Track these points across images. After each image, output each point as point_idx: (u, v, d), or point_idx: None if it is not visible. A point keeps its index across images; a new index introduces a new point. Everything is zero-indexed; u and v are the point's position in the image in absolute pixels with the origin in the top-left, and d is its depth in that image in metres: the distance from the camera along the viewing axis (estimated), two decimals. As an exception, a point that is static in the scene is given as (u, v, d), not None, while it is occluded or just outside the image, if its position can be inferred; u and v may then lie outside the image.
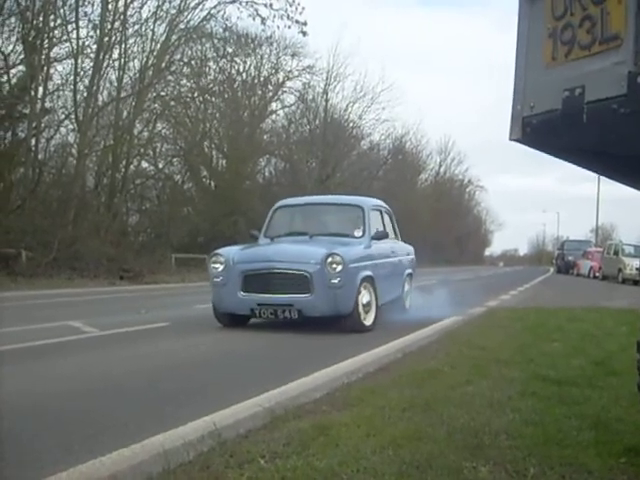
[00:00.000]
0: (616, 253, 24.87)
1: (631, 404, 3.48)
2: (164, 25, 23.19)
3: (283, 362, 5.48)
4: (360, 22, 79.51)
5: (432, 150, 59.39)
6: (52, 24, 19.90)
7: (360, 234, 8.12)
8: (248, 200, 27.42)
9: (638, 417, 3.25)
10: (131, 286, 17.14)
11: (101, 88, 22.59)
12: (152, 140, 26.07)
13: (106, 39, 21.24)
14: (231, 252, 7.59)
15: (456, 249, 61.26)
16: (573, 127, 1.90)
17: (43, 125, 20.80)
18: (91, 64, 21.29)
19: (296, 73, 31.45)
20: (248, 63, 30.17)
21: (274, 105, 33.29)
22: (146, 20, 22.65)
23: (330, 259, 7.04)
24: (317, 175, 34.73)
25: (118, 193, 23.58)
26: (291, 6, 22.60)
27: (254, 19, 23.19)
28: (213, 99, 28.48)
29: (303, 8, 22.82)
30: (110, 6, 21.20)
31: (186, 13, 23.39)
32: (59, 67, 21.40)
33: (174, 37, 23.51)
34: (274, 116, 34.01)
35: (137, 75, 23.33)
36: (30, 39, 19.19)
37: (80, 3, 20.32)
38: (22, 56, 19.58)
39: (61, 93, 21.67)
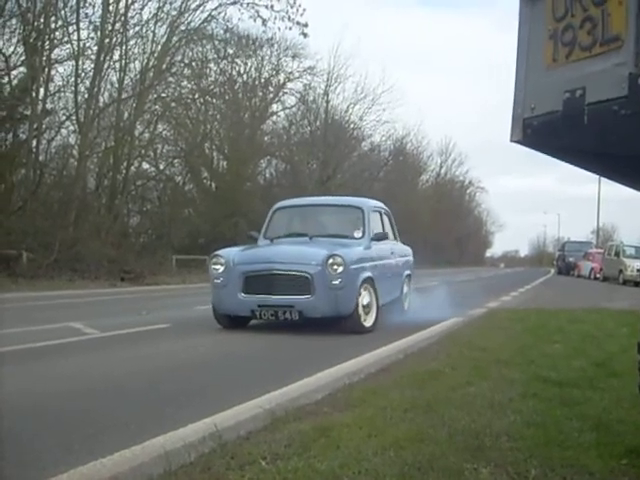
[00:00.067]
0: (617, 254, 24.85)
1: (632, 405, 3.48)
2: (165, 27, 23.24)
3: (283, 363, 5.48)
4: (361, 23, 79.65)
5: (433, 151, 59.49)
6: (53, 26, 19.93)
7: (360, 235, 8.11)
8: (249, 201, 27.43)
9: (639, 418, 3.24)
10: (132, 287, 17.14)
11: (102, 89, 22.64)
12: (153, 141, 26.08)
13: (107, 40, 21.26)
14: (231, 253, 7.59)
15: (457, 250, 61.26)
16: (574, 128, 1.90)
17: (44, 126, 20.81)
18: (92, 65, 21.32)
19: (297, 74, 31.47)
20: (249, 64, 30.22)
21: (275, 106, 33.34)
22: (147, 22, 22.71)
23: (331, 260, 7.04)
24: (318, 176, 34.73)
25: (119, 194, 23.58)
26: (292, 7, 22.67)
27: (255, 21, 23.25)
28: (214, 100, 28.49)
29: (304, 9, 22.89)
30: (111, 8, 21.23)
31: (187, 15, 23.46)
32: (60, 69, 21.45)
33: (175, 39, 23.53)
34: (275, 117, 34.08)
35: (138, 76, 23.34)
36: (31, 41, 19.21)
37: (81, 5, 20.37)
38: (23, 58, 19.61)
39: (62, 94, 21.71)
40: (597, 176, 21.53)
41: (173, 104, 25.20)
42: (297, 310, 7.03)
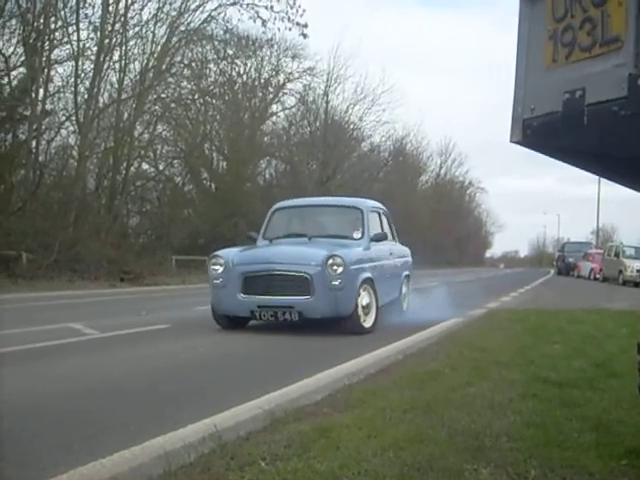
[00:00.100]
0: (617, 255, 24.85)
1: (632, 406, 3.48)
2: (165, 27, 23.25)
3: (283, 364, 5.48)
4: (361, 23, 79.63)
5: (433, 152, 59.52)
6: (53, 26, 19.93)
7: (359, 236, 8.11)
8: (248, 202, 27.43)
9: (639, 419, 3.24)
10: (131, 288, 17.14)
11: (102, 90, 22.64)
12: (152, 142, 26.08)
13: (107, 41, 21.26)
14: (231, 254, 7.58)
15: (456, 251, 61.28)
16: (574, 129, 1.90)
17: (44, 127, 20.82)
18: (92, 66, 21.32)
19: (297, 75, 31.47)
20: (249, 65, 30.22)
21: (274, 107, 33.35)
22: (147, 22, 22.71)
23: (331, 261, 7.04)
24: (318, 177, 34.74)
25: (119, 195, 23.59)
26: (292, 8, 22.67)
27: (255, 21, 23.26)
28: (214, 101, 28.50)
29: (304, 10, 22.89)
30: (111, 8, 21.23)
31: (187, 15, 23.46)
32: (60, 69, 21.46)
33: (175, 39, 23.53)
34: (274, 118, 34.08)
35: (138, 77, 23.34)
36: (31, 41, 19.21)
37: (81, 5, 20.38)
38: (23, 58, 19.61)
39: (62, 95, 21.72)
40: (597, 177, 21.53)
41: (173, 105, 25.21)
42: (297, 311, 7.03)
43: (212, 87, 27.74)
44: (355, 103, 37.37)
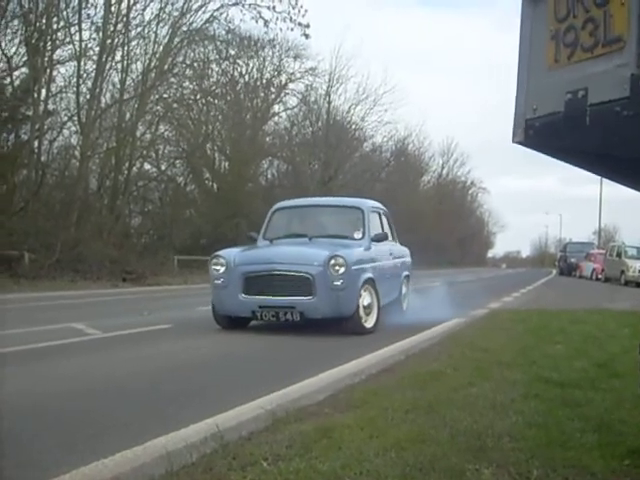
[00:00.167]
0: (619, 255, 24.82)
1: (634, 406, 3.48)
2: (167, 27, 23.26)
3: (284, 364, 5.48)
4: (363, 23, 79.44)
5: (434, 152, 59.44)
6: (55, 26, 19.95)
7: (360, 236, 8.11)
8: (250, 202, 27.42)
9: (641, 419, 3.24)
10: (134, 288, 17.15)
11: (104, 90, 22.66)
12: (154, 142, 26.10)
13: (109, 41, 21.27)
14: (232, 254, 7.57)
15: (458, 251, 61.19)
16: (576, 129, 1.90)
17: (46, 127, 20.82)
18: (94, 66, 21.33)
19: (298, 75, 31.46)
20: (250, 65, 30.23)
21: (276, 107, 33.35)
22: (149, 22, 22.72)
23: (333, 261, 7.04)
24: (319, 177, 34.74)
25: (121, 195, 23.60)
26: (294, 9, 22.64)
27: (257, 21, 23.25)
28: (215, 101, 28.49)
29: (306, 10, 22.86)
30: (113, 8, 21.25)
31: (189, 15, 23.45)
32: (62, 69, 21.47)
33: (177, 39, 23.55)
34: (276, 118, 34.08)
35: (140, 77, 23.36)
36: (33, 41, 19.24)
37: (83, 5, 20.39)
38: (25, 58, 19.65)
39: (64, 95, 21.73)
40: (599, 177, 21.53)
41: (175, 105, 25.22)
42: (298, 311, 7.02)
43: (214, 87, 27.76)
44: (357, 103, 37.43)
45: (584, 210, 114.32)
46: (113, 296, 14.40)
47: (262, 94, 31.68)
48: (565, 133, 1.95)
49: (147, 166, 27.42)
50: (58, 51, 20.58)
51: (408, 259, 10.12)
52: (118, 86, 23.15)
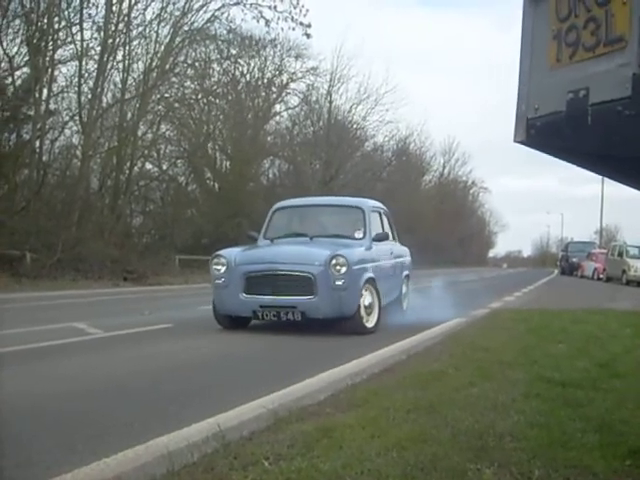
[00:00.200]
0: (620, 254, 24.81)
1: (636, 406, 3.48)
2: (168, 27, 23.24)
3: (285, 364, 5.48)
4: (364, 23, 79.53)
5: (436, 151, 59.38)
6: (56, 26, 19.93)
7: (361, 235, 8.10)
8: (252, 202, 27.42)
9: (643, 419, 3.24)
10: (135, 287, 17.17)
11: (105, 90, 22.65)
12: (156, 142, 26.11)
13: (110, 41, 21.26)
14: (233, 253, 7.56)
15: (460, 250, 61.14)
16: (577, 129, 1.90)
17: (47, 127, 20.82)
18: (95, 66, 21.32)
19: (300, 75, 31.45)
20: (252, 65, 30.21)
21: (278, 107, 33.35)
22: (150, 22, 22.69)
23: (334, 261, 7.03)
24: (321, 176, 34.74)
25: (122, 195, 23.61)
26: (295, 8, 22.62)
27: (258, 21, 23.20)
28: (217, 101, 28.48)
29: (307, 10, 22.84)
30: (114, 8, 21.23)
31: (190, 15, 23.43)
32: (63, 69, 21.46)
33: (178, 39, 23.53)
34: (278, 118, 34.09)
35: (141, 77, 23.35)
36: (34, 41, 19.24)
37: (84, 5, 20.37)
38: (26, 58, 19.63)
39: (65, 95, 21.72)
40: (600, 176, 21.50)
41: (176, 104, 25.21)
42: (300, 311, 7.02)
43: (215, 87, 27.75)
44: (358, 103, 37.42)
45: (585, 210, 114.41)
46: (114, 296, 14.41)
47: (263, 94, 31.68)
48: (566, 133, 1.95)
49: (148, 166, 27.47)
50: (59, 51, 20.61)
51: (408, 259, 10.13)
52: (119, 86, 23.18)
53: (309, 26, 23.26)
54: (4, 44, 19.11)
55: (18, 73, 19.98)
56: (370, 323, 7.43)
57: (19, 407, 3.68)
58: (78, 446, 2.94)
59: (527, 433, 3.06)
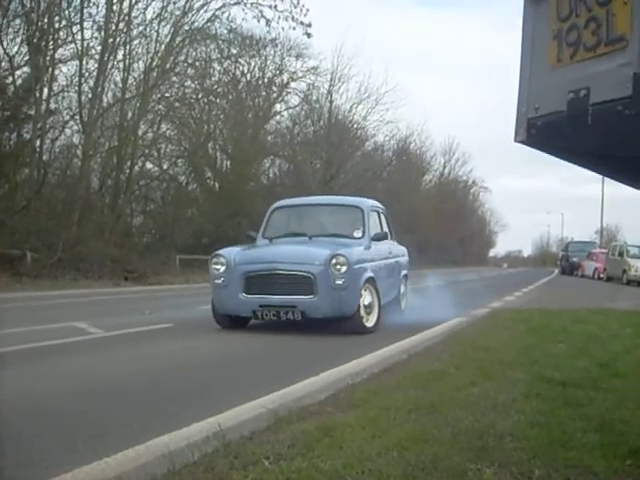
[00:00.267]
0: (621, 254, 24.81)
1: (636, 406, 3.47)
2: (169, 26, 23.23)
3: (285, 364, 5.48)
4: (364, 23, 79.53)
5: (436, 151, 59.40)
6: (57, 25, 19.94)
7: (360, 235, 8.10)
8: (252, 201, 27.42)
9: (643, 419, 3.24)
10: (135, 287, 17.17)
11: (106, 89, 22.65)
12: (156, 141, 26.11)
13: (111, 40, 21.26)
14: (232, 253, 7.55)
15: (460, 250, 61.13)
16: (578, 129, 1.90)
17: (48, 126, 20.82)
18: (96, 65, 21.31)
19: (300, 74, 31.45)
20: (252, 64, 30.21)
21: (278, 106, 33.35)
22: (150, 21, 22.69)
23: (334, 260, 7.03)
24: (321, 176, 34.74)
25: (122, 194, 23.61)
26: (296, 8, 22.60)
27: (259, 21, 23.17)
28: (217, 100, 28.48)
29: (308, 10, 22.83)
30: (115, 7, 21.23)
31: (191, 14, 23.42)
32: (64, 68, 21.47)
33: (179, 38, 23.52)
34: (278, 117, 34.09)
35: (142, 76, 23.35)
36: (35, 40, 19.24)
37: (85, 4, 20.38)
38: (27, 57, 19.64)
39: (66, 94, 21.72)
40: (601, 176, 21.49)
41: (177, 104, 25.21)
42: (299, 310, 7.01)
43: (216, 86, 27.74)
44: (359, 102, 37.44)
45: (586, 209, 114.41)
46: (115, 295, 14.42)
47: (264, 93, 31.69)
48: (567, 132, 1.95)
49: (149, 165, 27.49)
50: (60, 50, 20.61)
51: (406, 258, 10.16)
52: (120, 85, 23.19)
53: (309, 25, 23.28)
54: (4, 43, 19.16)
55: (18, 72, 20.03)
56: (370, 323, 7.43)
57: (20, 406, 3.68)
58: (79, 446, 2.95)
59: (527, 433, 3.06)
